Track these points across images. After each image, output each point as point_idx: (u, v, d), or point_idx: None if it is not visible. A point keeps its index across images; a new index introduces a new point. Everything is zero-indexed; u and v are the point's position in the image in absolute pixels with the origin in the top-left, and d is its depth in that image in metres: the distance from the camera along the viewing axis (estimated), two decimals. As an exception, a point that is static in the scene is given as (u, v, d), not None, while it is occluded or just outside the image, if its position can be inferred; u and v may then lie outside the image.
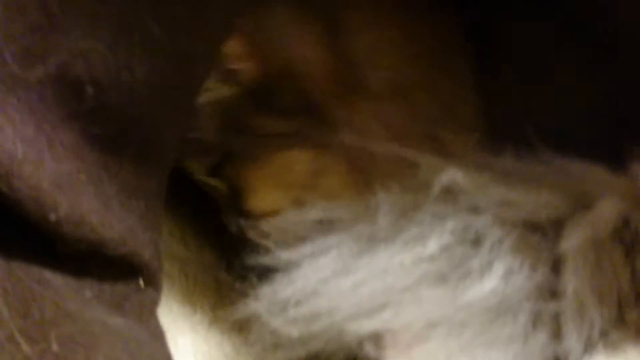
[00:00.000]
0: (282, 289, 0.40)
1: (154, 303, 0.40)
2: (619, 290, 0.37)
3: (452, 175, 0.40)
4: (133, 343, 0.35)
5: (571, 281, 0.37)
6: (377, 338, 0.38)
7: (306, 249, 0.41)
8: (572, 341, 0.36)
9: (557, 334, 0.37)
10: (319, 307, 0.39)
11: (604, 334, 0.36)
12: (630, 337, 0.36)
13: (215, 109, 0.44)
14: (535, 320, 0.38)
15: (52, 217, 0.35)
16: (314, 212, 0.42)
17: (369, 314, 0.38)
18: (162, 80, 0.38)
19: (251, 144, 0.45)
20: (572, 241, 0.39)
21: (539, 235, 0.40)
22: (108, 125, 0.37)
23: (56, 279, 0.36)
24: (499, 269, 0.38)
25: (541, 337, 0.37)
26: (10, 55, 0.33)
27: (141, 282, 0.40)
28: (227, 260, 0.53)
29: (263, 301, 0.40)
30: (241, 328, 0.46)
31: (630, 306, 0.37)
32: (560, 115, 0.46)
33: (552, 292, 0.38)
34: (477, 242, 0.39)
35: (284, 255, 0.41)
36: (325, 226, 0.42)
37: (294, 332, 0.38)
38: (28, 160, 0.34)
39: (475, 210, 0.40)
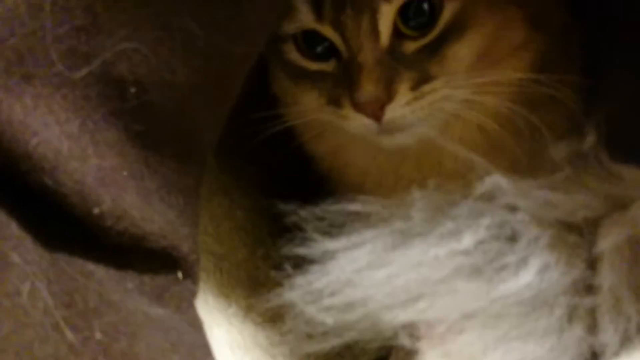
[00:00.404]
0: (317, 278, 0.41)
1: (192, 295, 0.41)
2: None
3: (496, 180, 0.40)
4: (173, 332, 0.36)
5: (607, 277, 0.38)
6: (412, 329, 0.38)
7: (342, 241, 0.42)
8: (609, 335, 0.36)
9: (593, 328, 0.37)
10: (354, 297, 0.40)
11: (640, 329, 0.36)
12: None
13: None
14: (571, 315, 0.38)
15: (96, 211, 0.36)
16: (353, 205, 0.42)
17: (403, 304, 0.39)
18: (201, 79, 0.39)
19: None
20: (609, 239, 0.39)
21: (576, 234, 0.40)
22: (149, 123, 0.39)
23: (99, 271, 0.38)
24: (534, 264, 0.38)
25: (577, 331, 0.37)
26: (57, 55, 0.34)
27: (180, 275, 0.41)
28: (264, 251, 0.54)
29: (298, 290, 0.41)
30: (274, 320, 0.47)
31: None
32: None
33: (589, 288, 0.38)
34: (513, 238, 0.40)
35: (320, 246, 0.42)
36: (363, 219, 0.42)
37: (329, 321, 0.38)
38: (73, 156, 0.35)
39: (512, 208, 0.40)
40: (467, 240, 0.39)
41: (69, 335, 0.33)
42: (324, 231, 0.41)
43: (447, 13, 0.45)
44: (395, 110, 0.44)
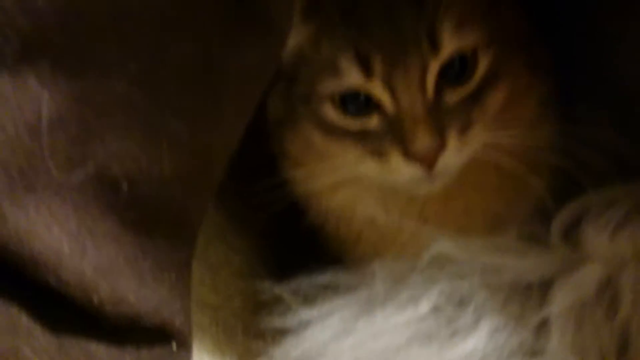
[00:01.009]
0: (293, 349, 0.45)
1: (187, 360, 0.45)
2: (600, 348, 0.41)
3: (441, 245, 0.44)
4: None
5: (555, 340, 0.41)
6: None
7: (315, 311, 0.46)
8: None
9: None
10: None
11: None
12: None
13: None
14: None
15: (95, 298, 0.40)
16: (323, 277, 0.46)
17: None
18: (187, 170, 0.43)
19: None
20: (557, 303, 0.43)
21: (524, 297, 0.44)
22: (141, 212, 0.42)
23: (100, 350, 0.42)
24: (483, 328, 0.42)
25: None
26: (54, 165, 0.38)
27: (174, 346, 0.45)
28: (259, 296, 0.58)
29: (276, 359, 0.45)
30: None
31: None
32: None
33: (536, 351, 0.42)
34: (463, 303, 0.44)
35: (296, 316, 0.46)
36: (333, 289, 0.47)
37: None
38: (73, 253, 0.39)
39: (461, 275, 0.44)
40: (423, 307, 0.43)
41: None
42: (298, 303, 0.45)
43: (482, 66, 0.49)
44: (447, 158, 0.48)
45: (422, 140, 0.47)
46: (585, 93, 0.53)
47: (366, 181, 0.52)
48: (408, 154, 0.47)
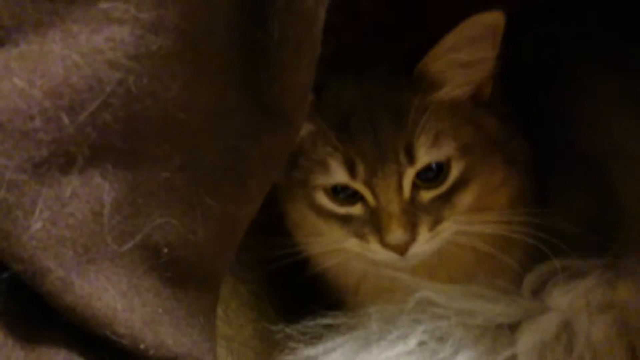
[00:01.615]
0: None
1: (213, 393, 0.53)
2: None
3: (424, 292, 0.53)
4: None
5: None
6: None
7: (319, 348, 0.54)
8: None
9: None
10: None
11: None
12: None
13: None
14: None
15: (142, 346, 0.48)
16: (326, 319, 0.55)
17: None
18: (216, 236, 0.51)
19: None
20: (523, 342, 0.52)
21: (495, 335, 0.53)
22: (177, 270, 0.50)
23: (145, 386, 0.50)
24: (460, 359, 0.51)
25: None
26: (110, 239, 0.46)
27: (204, 380, 0.53)
28: (266, 323, 0.66)
29: None
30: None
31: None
32: None
33: None
34: (443, 339, 0.53)
35: (304, 353, 0.54)
36: (335, 329, 0.55)
37: None
38: (125, 309, 0.47)
39: (441, 316, 0.53)
40: (411, 343, 0.53)
41: None
42: (305, 341, 0.54)
43: (455, 171, 0.57)
44: (417, 248, 0.56)
45: (396, 234, 0.55)
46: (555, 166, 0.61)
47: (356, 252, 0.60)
48: (384, 243, 0.56)
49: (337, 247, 0.61)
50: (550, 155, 0.62)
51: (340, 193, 0.59)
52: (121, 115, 0.42)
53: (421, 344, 0.53)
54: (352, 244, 0.59)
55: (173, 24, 0.42)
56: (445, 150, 0.57)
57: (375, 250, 0.58)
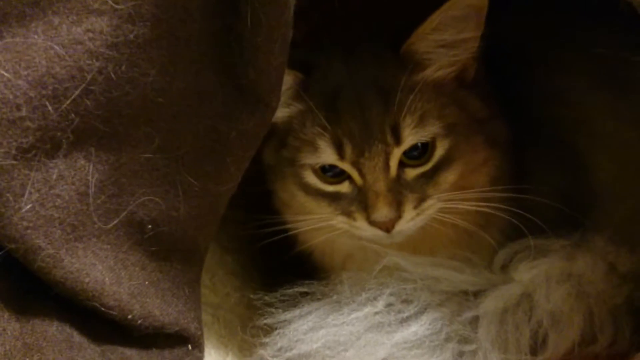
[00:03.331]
0: (279, 339, 0.57)
1: (200, 359, 0.57)
2: (519, 341, 0.54)
3: (392, 258, 0.57)
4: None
5: (483, 333, 0.54)
6: None
7: (296, 312, 0.58)
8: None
9: None
10: (304, 350, 0.56)
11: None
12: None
13: None
14: (458, 357, 0.54)
15: (130, 316, 0.51)
16: (302, 288, 0.59)
17: (337, 354, 0.55)
18: (198, 212, 0.54)
19: None
20: (485, 305, 0.55)
21: (460, 299, 0.56)
22: (162, 245, 0.53)
23: (132, 353, 0.53)
24: (424, 319, 0.54)
25: None
26: (96, 217, 0.49)
27: (190, 347, 0.56)
28: (252, 292, 0.69)
29: (267, 348, 0.57)
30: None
31: (529, 353, 0.54)
32: None
33: (468, 339, 0.54)
34: (408, 301, 0.56)
35: (281, 316, 0.58)
36: (309, 296, 0.59)
37: None
38: (112, 282, 0.50)
39: (407, 280, 0.57)
40: (380, 304, 0.56)
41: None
42: (283, 307, 0.58)
43: (439, 150, 0.59)
44: (402, 225, 0.58)
45: (382, 212, 0.57)
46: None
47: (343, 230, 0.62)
48: (370, 220, 0.58)
49: (324, 224, 0.63)
50: (526, 134, 0.64)
51: (329, 172, 0.61)
52: (102, 101, 0.44)
53: (388, 305, 0.56)
54: (340, 221, 0.61)
55: (149, 13, 0.44)
56: (431, 129, 0.58)
57: (362, 227, 0.60)
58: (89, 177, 0.47)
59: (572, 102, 0.63)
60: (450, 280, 0.56)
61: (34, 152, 0.43)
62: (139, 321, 0.52)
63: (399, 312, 0.55)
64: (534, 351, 0.54)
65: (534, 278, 0.55)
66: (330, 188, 0.61)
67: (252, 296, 0.60)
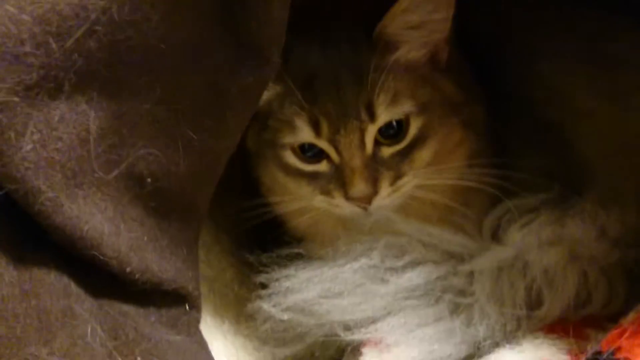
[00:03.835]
0: (276, 290, 0.58)
1: (198, 321, 0.57)
2: (514, 297, 0.54)
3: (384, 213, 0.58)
4: (188, 353, 0.52)
5: (479, 288, 0.55)
6: (347, 325, 0.55)
7: (291, 268, 0.59)
8: (482, 329, 0.53)
9: (471, 322, 0.54)
10: (301, 298, 0.57)
11: (505, 329, 0.53)
12: (525, 333, 0.53)
13: None
14: (454, 309, 0.55)
15: (128, 269, 0.51)
16: (298, 249, 0.60)
17: (331, 299, 0.56)
18: (197, 167, 0.54)
19: None
20: (481, 263, 0.56)
21: (455, 258, 0.57)
22: (161, 200, 0.53)
23: (130, 310, 0.53)
24: (418, 269, 0.56)
25: (460, 321, 0.54)
26: (97, 165, 0.49)
27: (187, 307, 0.56)
28: (247, 269, 0.69)
29: (265, 298, 0.59)
30: (257, 330, 0.62)
31: (525, 308, 0.54)
32: None
33: (465, 292, 0.55)
34: (402, 252, 0.57)
35: (277, 273, 0.59)
36: (306, 256, 0.60)
37: (286, 317, 0.56)
38: (111, 233, 0.50)
39: (400, 234, 0.58)
40: (374, 254, 0.57)
41: (120, 360, 0.49)
42: (279, 264, 0.59)
43: (413, 128, 0.61)
44: (379, 201, 0.60)
45: (359, 187, 0.59)
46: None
47: (324, 209, 0.64)
48: (348, 196, 0.60)
49: (305, 204, 0.64)
50: (509, 116, 0.66)
51: (308, 152, 0.63)
52: (105, 42, 0.44)
53: (383, 256, 0.58)
54: (319, 200, 0.63)
55: (153, -43, 0.45)
56: (404, 107, 0.60)
57: (340, 205, 0.61)
58: (90, 123, 0.47)
59: (553, 82, 0.65)
60: (443, 239, 0.57)
61: (36, 90, 0.43)
62: (137, 275, 0.52)
63: (394, 262, 0.56)
64: (530, 308, 0.54)
65: (526, 240, 0.56)
66: (309, 168, 0.63)
67: (248, 256, 0.60)
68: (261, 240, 0.74)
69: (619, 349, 0.44)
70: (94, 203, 0.49)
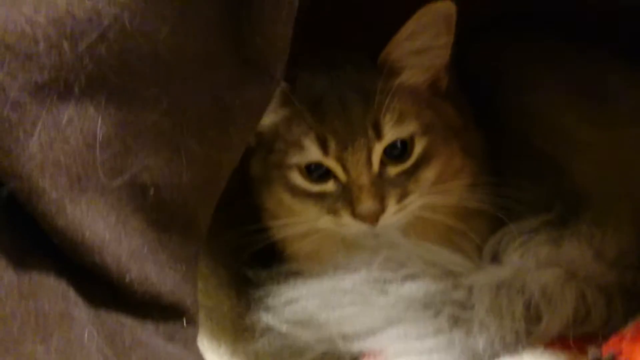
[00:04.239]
0: (276, 302, 0.59)
1: (194, 336, 0.56)
2: (513, 312, 0.54)
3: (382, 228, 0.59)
4: (184, 364, 0.51)
5: (478, 302, 0.55)
6: (347, 337, 0.55)
7: (289, 283, 0.60)
8: (481, 341, 0.53)
9: (470, 334, 0.54)
10: (301, 308, 0.58)
11: (504, 341, 0.53)
12: (525, 346, 0.53)
13: None
14: (454, 322, 0.55)
15: (127, 278, 0.51)
16: (289, 267, 0.61)
17: (331, 308, 0.57)
18: (199, 180, 0.55)
19: None
20: (481, 279, 0.56)
21: (454, 274, 0.57)
22: (162, 213, 0.54)
23: (128, 320, 0.53)
24: (418, 281, 0.56)
25: (459, 334, 0.54)
26: (102, 172, 0.50)
27: (184, 321, 0.56)
28: (244, 302, 0.69)
29: (265, 309, 0.59)
30: (255, 353, 0.62)
31: (524, 322, 0.54)
32: None
33: (466, 305, 0.55)
34: (401, 265, 0.58)
35: (276, 287, 0.60)
36: (299, 275, 0.61)
37: (284, 328, 0.56)
38: (112, 241, 0.51)
39: (399, 248, 0.59)
40: (374, 267, 0.58)
41: (116, 367, 0.49)
42: (278, 281, 0.59)
43: (418, 147, 0.63)
44: (386, 219, 0.61)
45: (366, 204, 0.60)
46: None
47: (328, 232, 0.65)
48: (355, 214, 0.61)
49: (309, 227, 0.65)
50: (506, 147, 0.67)
51: (314, 172, 0.64)
52: (116, 49, 0.46)
53: (383, 268, 0.58)
54: (325, 221, 0.64)
55: (164, -30, 0.47)
56: (409, 127, 0.62)
57: (347, 223, 0.62)
58: (97, 129, 0.48)
59: (545, 114, 0.67)
60: (443, 257, 0.57)
61: (46, 90, 0.45)
62: (136, 284, 0.52)
63: (394, 274, 0.57)
64: (529, 322, 0.54)
65: (523, 260, 0.56)
66: (315, 188, 0.64)
67: (248, 272, 0.60)
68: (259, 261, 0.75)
69: (619, 353, 0.44)
70: (97, 209, 0.50)
